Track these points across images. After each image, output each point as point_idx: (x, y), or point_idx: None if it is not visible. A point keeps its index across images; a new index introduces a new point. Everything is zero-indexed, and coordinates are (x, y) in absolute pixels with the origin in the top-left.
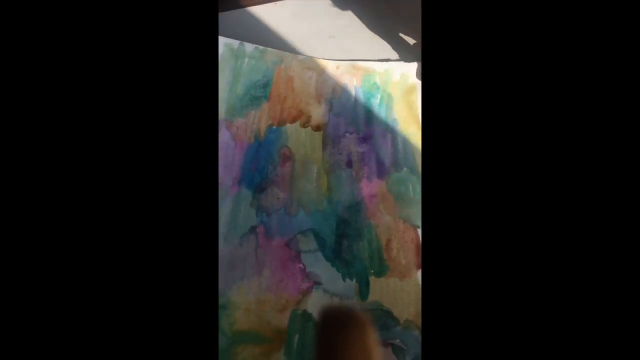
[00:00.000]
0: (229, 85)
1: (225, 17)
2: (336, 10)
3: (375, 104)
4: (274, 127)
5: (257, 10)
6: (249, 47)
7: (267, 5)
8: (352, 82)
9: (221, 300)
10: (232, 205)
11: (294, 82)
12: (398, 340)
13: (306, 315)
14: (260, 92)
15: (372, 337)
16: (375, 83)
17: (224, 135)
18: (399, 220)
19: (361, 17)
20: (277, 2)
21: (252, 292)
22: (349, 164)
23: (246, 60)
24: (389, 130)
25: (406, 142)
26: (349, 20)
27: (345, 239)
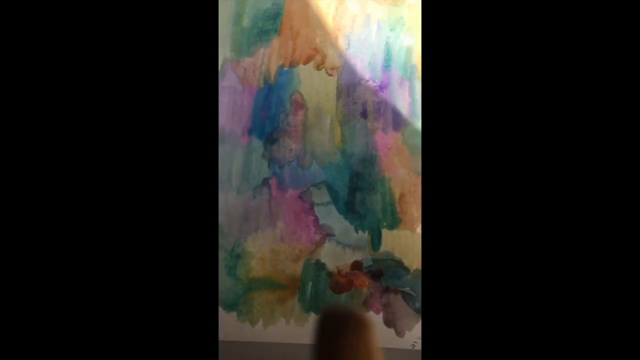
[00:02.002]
0: (233, 17)
1: None
2: None
3: (397, 44)
4: (285, 69)
5: None
6: None
7: None
8: (377, 13)
9: (237, 250)
10: (243, 156)
11: (309, 11)
12: (408, 288)
13: (319, 265)
14: (269, 25)
15: (373, 338)
16: (402, 18)
17: (230, 78)
18: (413, 174)
19: None
20: None
21: (267, 242)
22: (364, 114)
23: None
24: (407, 77)
25: None
26: None
27: (359, 192)
